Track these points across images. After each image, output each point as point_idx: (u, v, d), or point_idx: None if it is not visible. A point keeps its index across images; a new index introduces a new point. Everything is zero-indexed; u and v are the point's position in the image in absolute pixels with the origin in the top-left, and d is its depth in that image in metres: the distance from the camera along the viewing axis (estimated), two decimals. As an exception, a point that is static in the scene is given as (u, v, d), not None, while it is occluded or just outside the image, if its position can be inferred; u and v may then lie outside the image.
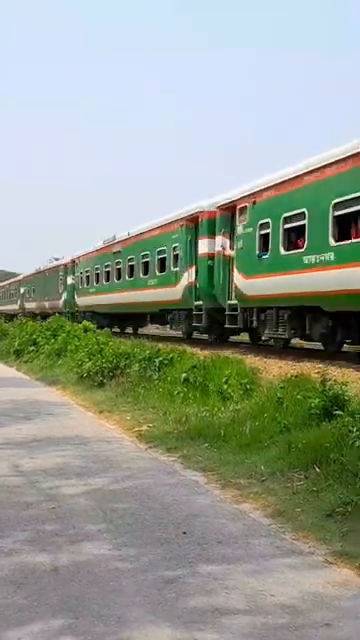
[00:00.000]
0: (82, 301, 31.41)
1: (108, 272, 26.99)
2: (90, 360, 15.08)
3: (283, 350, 14.71)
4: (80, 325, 22.31)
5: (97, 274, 28.86)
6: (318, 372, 9.05)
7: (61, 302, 35.24)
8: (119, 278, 25.50)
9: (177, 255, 19.18)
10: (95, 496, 6.22)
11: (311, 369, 10.37)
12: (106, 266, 27.27)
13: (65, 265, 35.86)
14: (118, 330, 28.13)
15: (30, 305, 44.53)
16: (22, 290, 47.81)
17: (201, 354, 13.52)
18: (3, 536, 5.10)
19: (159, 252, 20.85)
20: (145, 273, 22.39)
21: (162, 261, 20.65)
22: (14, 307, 50.25)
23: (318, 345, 14.62)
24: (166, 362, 12.80)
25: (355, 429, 6.46)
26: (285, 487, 6.28)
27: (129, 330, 28.59)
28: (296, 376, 9.51)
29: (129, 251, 24.26)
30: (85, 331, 20.73)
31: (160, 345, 14.97)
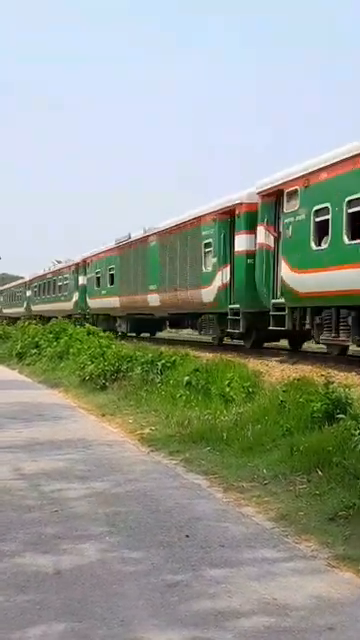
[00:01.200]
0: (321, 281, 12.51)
1: None
2: (92, 363, 15.09)
3: (285, 353, 14.71)
4: (83, 328, 22.18)
5: None
6: (322, 375, 9.04)
7: (211, 292, 16.81)
8: None
9: None
10: (97, 499, 6.22)
11: (313, 372, 10.37)
12: None
13: (229, 212, 15.87)
14: None
15: (101, 303, 28.07)
16: (82, 280, 31.17)
17: (204, 357, 13.51)
18: (5, 539, 5.10)
19: None
20: None
21: None
22: (65, 306, 33.38)
23: (322, 348, 14.60)
24: (168, 365, 12.80)
25: (358, 432, 6.45)
26: (288, 490, 6.27)
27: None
28: (298, 379, 9.50)
29: None
30: (88, 334, 20.76)
31: (163, 348, 14.97)
